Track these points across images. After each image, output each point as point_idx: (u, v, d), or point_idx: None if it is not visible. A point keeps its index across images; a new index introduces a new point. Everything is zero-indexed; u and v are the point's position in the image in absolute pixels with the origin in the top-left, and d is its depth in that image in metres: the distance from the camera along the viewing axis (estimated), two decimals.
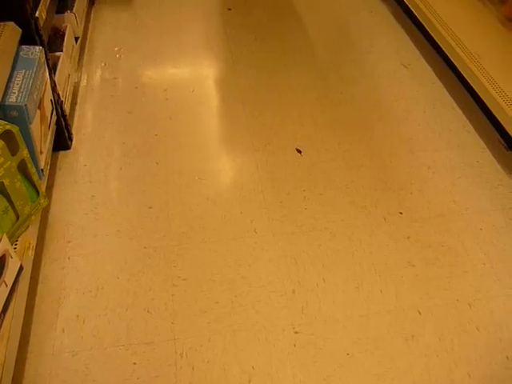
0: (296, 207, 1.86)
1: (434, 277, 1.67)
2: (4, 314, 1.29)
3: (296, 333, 1.51)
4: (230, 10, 2.95)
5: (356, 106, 2.32)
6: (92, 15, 2.86)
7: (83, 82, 2.38)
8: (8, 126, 1.36)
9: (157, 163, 2.00)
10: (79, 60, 2.47)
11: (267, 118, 2.24)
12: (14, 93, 1.49)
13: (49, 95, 1.77)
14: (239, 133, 2.16)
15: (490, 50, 2.27)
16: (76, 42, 2.40)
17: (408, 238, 1.78)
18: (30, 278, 1.50)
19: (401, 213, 1.86)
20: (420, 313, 1.58)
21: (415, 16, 2.66)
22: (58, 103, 1.90)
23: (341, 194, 1.92)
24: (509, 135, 2.04)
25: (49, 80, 1.79)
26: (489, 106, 2.10)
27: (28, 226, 1.51)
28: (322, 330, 1.52)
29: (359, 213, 1.85)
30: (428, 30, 2.51)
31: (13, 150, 1.39)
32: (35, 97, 1.57)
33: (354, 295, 1.61)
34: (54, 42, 2.18)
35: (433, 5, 2.51)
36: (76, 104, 2.25)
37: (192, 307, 1.55)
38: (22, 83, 1.53)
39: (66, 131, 1.99)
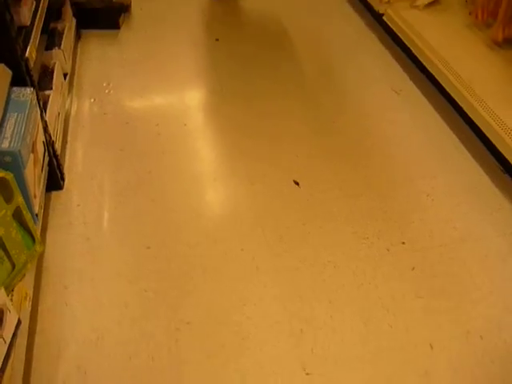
0: (297, 241, 1.83)
1: (442, 308, 1.64)
2: (3, 372, 1.22)
3: (307, 374, 1.46)
4: (217, 40, 2.95)
5: (350, 134, 2.31)
6: (78, 50, 2.82)
7: (73, 119, 2.33)
8: (2, 174, 1.31)
9: (152, 201, 1.96)
10: (68, 96, 2.43)
11: (261, 149, 2.22)
12: (7, 138, 1.44)
13: (41, 137, 1.73)
14: (234, 166, 2.13)
15: (480, 74, 2.28)
16: (65, 79, 2.37)
17: (413, 268, 1.75)
18: (28, 328, 1.44)
19: (403, 243, 1.83)
20: (432, 347, 1.54)
21: (403, 42, 2.68)
22: (49, 143, 1.86)
23: (341, 225, 1.89)
24: (505, 158, 2.03)
25: (40, 121, 1.74)
26: (483, 130, 2.10)
27: (24, 275, 1.45)
28: (333, 370, 1.47)
29: (361, 244, 1.82)
30: (419, 57, 2.52)
31: (7, 197, 1.33)
32: (28, 141, 1.53)
33: (364, 332, 1.57)
34: (43, 79, 2.14)
35: (421, 31, 2.53)
36: (67, 142, 2.20)
37: (198, 352, 1.49)
38: (14, 127, 1.49)
39: (58, 171, 1.94)
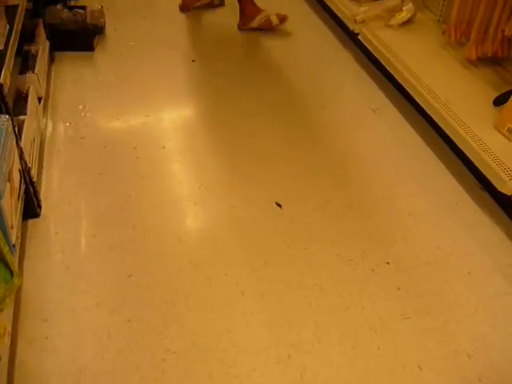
0: (282, 264, 1.81)
1: (429, 328, 1.63)
2: None
3: None
4: (193, 61, 2.94)
5: (330, 153, 2.31)
6: (53, 73, 2.78)
7: (49, 144, 2.29)
8: None
9: (133, 227, 1.92)
10: (43, 121, 2.38)
11: (242, 170, 2.20)
12: None
13: (17, 165, 1.68)
14: (215, 189, 2.11)
15: (455, 91, 2.31)
16: (39, 102, 2.32)
17: (398, 289, 1.75)
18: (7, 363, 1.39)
19: (388, 263, 1.83)
20: (420, 368, 1.53)
21: (378, 61, 2.70)
22: (25, 171, 1.81)
23: (326, 247, 1.88)
24: (483, 175, 2.05)
25: (16, 148, 1.70)
26: (461, 147, 2.12)
27: (2, 310, 1.39)
28: None
29: (346, 266, 1.81)
30: (394, 75, 2.54)
31: None
32: (4, 170, 1.48)
33: (352, 355, 1.55)
34: (17, 104, 2.09)
35: (396, 50, 2.56)
36: (42, 168, 2.15)
37: (185, 383, 1.46)
38: None
39: (34, 199, 1.89)
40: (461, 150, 2.14)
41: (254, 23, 3.17)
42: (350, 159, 2.29)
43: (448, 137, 2.21)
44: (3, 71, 1.71)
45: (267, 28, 3.18)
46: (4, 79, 1.69)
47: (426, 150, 2.35)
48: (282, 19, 3.17)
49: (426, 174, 2.22)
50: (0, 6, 1.96)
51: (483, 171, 2.03)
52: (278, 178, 2.17)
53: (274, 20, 3.15)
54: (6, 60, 1.78)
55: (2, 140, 1.51)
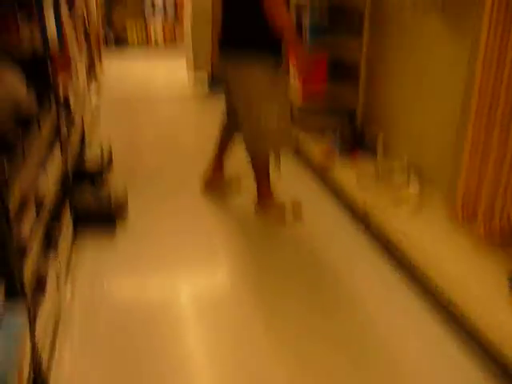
0: None
1: None
2: None
3: None
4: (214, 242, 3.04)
5: (348, 343, 2.25)
6: (74, 249, 2.88)
7: (63, 324, 2.29)
8: None
9: None
10: (59, 297, 2.41)
11: (257, 360, 2.15)
12: None
13: (27, 359, 1.68)
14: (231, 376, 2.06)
15: (468, 271, 2.32)
16: (57, 283, 2.37)
17: None
18: None
19: None
20: None
21: (389, 242, 2.77)
22: (37, 365, 1.80)
23: None
24: (500, 359, 1.98)
25: (29, 341, 1.71)
26: (480, 333, 2.08)
27: None
28: None
29: None
30: (406, 258, 2.59)
31: None
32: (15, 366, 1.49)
33: None
34: (36, 288, 2.13)
35: (406, 231, 2.64)
36: (55, 350, 2.13)
37: None
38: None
39: None
40: (480, 337, 2.09)
41: (271, 218, 3.33)
42: (371, 347, 2.22)
43: (462, 318, 2.18)
44: (26, 265, 1.79)
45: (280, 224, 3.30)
46: (27, 275, 1.76)
47: (442, 331, 2.29)
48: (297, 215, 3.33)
49: (450, 371, 2.11)
50: (30, 196, 2.09)
51: (502, 353, 1.96)
52: (291, 359, 2.12)
53: (288, 217, 3.32)
54: (31, 254, 1.87)
55: (17, 343, 1.53)
